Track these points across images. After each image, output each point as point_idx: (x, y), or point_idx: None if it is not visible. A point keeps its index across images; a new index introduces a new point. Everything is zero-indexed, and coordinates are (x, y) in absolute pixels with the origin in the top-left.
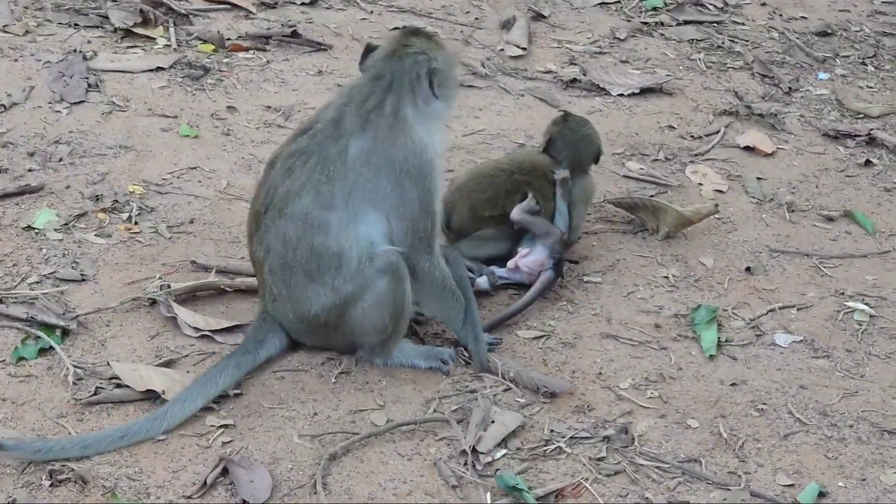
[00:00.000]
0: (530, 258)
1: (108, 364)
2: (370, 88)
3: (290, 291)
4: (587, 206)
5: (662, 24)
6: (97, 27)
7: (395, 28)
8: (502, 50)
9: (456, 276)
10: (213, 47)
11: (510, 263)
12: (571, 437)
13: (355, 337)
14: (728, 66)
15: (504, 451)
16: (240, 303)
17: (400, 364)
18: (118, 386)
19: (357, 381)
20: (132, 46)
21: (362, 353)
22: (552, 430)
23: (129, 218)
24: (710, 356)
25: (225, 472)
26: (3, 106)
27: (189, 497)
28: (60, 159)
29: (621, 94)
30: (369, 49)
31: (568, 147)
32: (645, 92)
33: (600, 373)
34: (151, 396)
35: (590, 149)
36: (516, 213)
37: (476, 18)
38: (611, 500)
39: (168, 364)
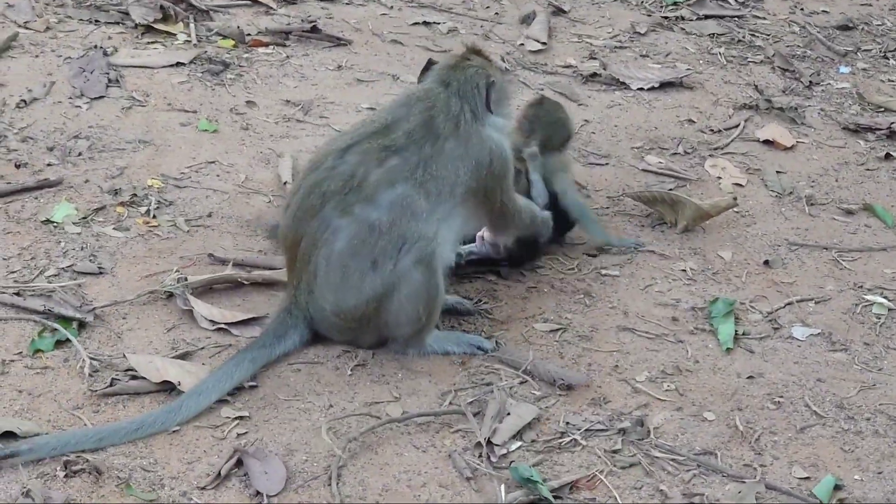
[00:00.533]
0: None
1: (124, 356)
2: (447, 94)
3: (344, 279)
4: (568, 175)
5: (683, 18)
6: (118, 23)
7: (415, 23)
8: (522, 44)
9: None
10: (233, 43)
11: (476, 236)
12: (587, 430)
13: (388, 330)
14: (749, 60)
15: (519, 444)
16: (256, 295)
17: (433, 351)
18: (134, 378)
19: (373, 373)
20: (152, 42)
21: (394, 346)
22: (568, 423)
23: (148, 211)
24: (727, 349)
25: (239, 463)
26: (24, 101)
27: (203, 488)
28: (80, 154)
29: (641, 89)
30: (430, 63)
31: (541, 128)
32: (665, 86)
33: (617, 365)
34: (167, 388)
35: (561, 132)
36: None
37: (496, 13)
38: (625, 492)
39: (184, 356)
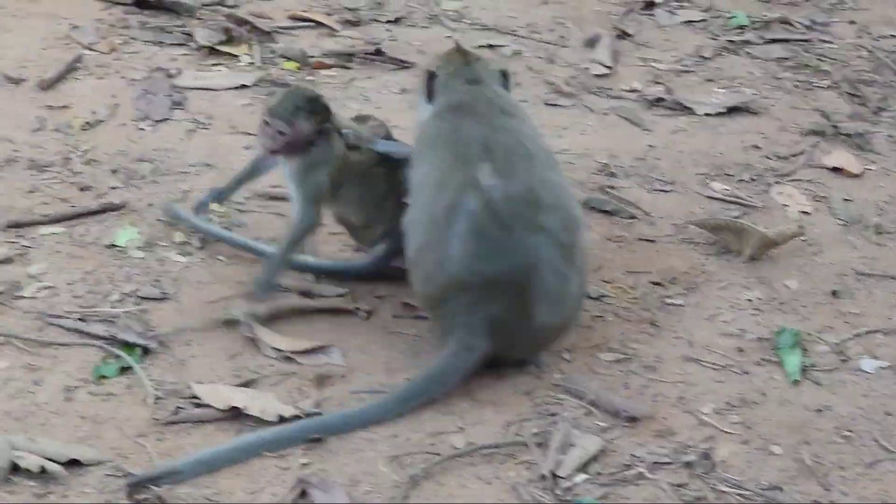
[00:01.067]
0: None
1: (189, 385)
2: (490, 89)
3: (567, 285)
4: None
5: (749, 42)
6: (182, 45)
7: (480, 46)
8: (587, 68)
9: None
10: (296, 65)
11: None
12: (653, 463)
13: (562, 337)
14: (815, 85)
15: (584, 476)
16: (320, 323)
17: None
18: (198, 405)
19: (437, 403)
20: (216, 64)
21: (540, 360)
22: (633, 455)
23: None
24: (794, 381)
25: (303, 494)
26: (88, 123)
27: None
28: (143, 177)
29: (707, 114)
30: (432, 76)
31: None
32: (731, 111)
33: (682, 397)
34: (234, 415)
35: None
36: None
37: (560, 36)
38: None
39: (248, 384)
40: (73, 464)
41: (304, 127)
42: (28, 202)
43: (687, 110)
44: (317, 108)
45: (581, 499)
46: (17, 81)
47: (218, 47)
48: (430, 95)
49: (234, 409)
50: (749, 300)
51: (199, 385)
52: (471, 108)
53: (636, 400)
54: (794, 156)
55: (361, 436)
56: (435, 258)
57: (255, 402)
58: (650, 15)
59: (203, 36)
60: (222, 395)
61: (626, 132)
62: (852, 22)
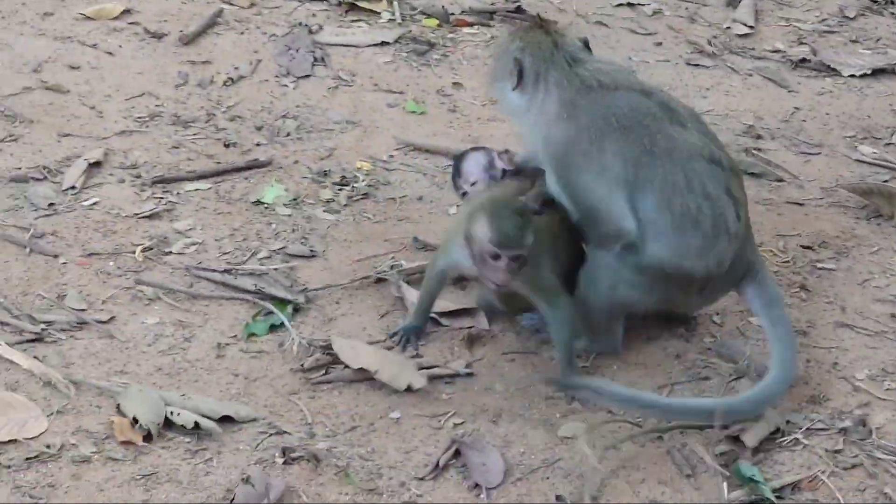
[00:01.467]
0: None
1: (330, 340)
2: (593, 60)
3: None
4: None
5: (892, 2)
6: (321, 0)
7: (619, 5)
8: (729, 28)
9: None
10: (437, 22)
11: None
12: (807, 429)
13: None
14: None
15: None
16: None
17: None
18: (348, 366)
19: (589, 364)
20: (356, 20)
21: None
22: (788, 421)
23: (357, 194)
24: None
25: (457, 454)
26: (231, 79)
27: (422, 479)
28: (288, 134)
29: (852, 75)
30: (520, 65)
31: None
32: (876, 73)
33: (836, 363)
34: (366, 376)
35: None
36: None
37: None
38: (848, 494)
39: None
40: (225, 420)
41: (532, 238)
42: (173, 158)
43: (832, 72)
44: (528, 211)
45: (739, 464)
46: (158, 36)
47: (358, 3)
48: (519, 82)
49: (363, 370)
50: None
51: (339, 339)
52: (612, 84)
53: None
54: None
55: (514, 397)
56: (717, 247)
57: (388, 367)
58: None
59: None
60: (359, 353)
61: (770, 93)
62: None
